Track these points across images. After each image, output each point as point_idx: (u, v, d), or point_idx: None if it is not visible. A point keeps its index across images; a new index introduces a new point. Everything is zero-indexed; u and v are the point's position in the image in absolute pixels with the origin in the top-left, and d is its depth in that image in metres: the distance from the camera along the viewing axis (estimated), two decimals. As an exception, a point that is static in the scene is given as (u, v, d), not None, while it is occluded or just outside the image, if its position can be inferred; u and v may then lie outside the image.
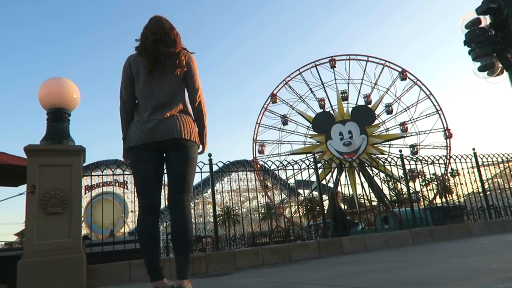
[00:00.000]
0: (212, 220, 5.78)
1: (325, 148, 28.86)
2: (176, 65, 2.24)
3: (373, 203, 12.52)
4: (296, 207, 13.63)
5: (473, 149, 7.43)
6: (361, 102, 31.05)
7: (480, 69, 5.37)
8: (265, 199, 24.55)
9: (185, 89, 2.36)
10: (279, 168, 6.07)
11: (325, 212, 7.24)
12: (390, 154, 27.33)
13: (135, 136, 2.21)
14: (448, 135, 29.71)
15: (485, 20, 5.30)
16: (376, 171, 24.87)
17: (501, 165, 7.86)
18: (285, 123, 31.11)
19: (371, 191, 17.06)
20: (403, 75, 30.80)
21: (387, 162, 6.87)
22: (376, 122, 30.41)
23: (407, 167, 7.00)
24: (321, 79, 31.61)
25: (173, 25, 2.38)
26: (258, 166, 25.64)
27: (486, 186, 7.80)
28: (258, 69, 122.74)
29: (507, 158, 7.73)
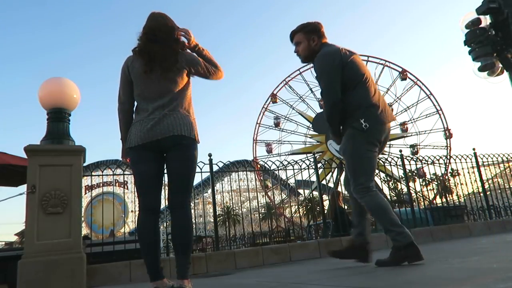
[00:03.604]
0: (212, 220, 5.78)
1: (325, 148, 28.85)
2: (171, 64, 2.23)
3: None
4: (296, 207, 13.64)
5: (473, 149, 7.44)
6: (361, 102, 31.02)
7: (480, 69, 5.37)
8: (265, 199, 24.55)
9: (187, 86, 2.34)
10: (279, 168, 6.07)
11: (325, 212, 7.24)
12: (390, 154, 27.30)
13: (135, 137, 2.21)
14: (448, 135, 29.71)
15: (485, 20, 5.30)
16: (376, 171, 24.84)
17: (501, 165, 7.86)
18: (277, 124, 31.20)
19: (371, 191, 17.00)
20: (403, 75, 30.81)
21: (387, 162, 6.87)
22: (376, 122, 30.38)
23: (407, 167, 7.00)
24: (321, 79, 31.57)
25: (168, 22, 2.36)
26: (258, 166, 25.64)
27: (486, 186, 7.79)
28: (258, 70, 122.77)
29: (507, 158, 7.72)
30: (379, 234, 5.74)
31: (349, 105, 2.56)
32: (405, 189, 8.23)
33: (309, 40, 2.75)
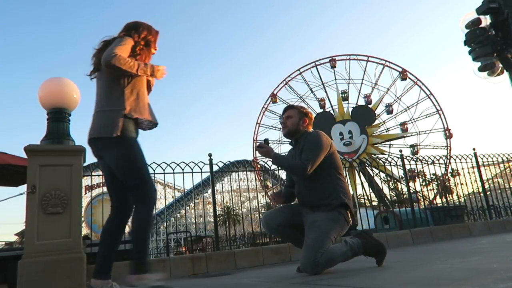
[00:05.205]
0: (212, 220, 5.77)
1: (325, 148, 28.80)
2: (98, 63, 2.32)
3: (373, 203, 12.51)
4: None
5: (473, 149, 7.44)
6: (362, 102, 31.06)
7: (481, 69, 5.38)
8: (265, 199, 24.53)
9: (116, 81, 2.23)
10: (279, 168, 6.07)
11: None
12: (390, 154, 27.35)
13: None
14: (448, 135, 29.71)
15: (485, 20, 5.30)
16: (376, 171, 24.89)
17: (501, 165, 7.86)
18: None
19: (371, 191, 17.06)
20: (403, 75, 30.81)
21: (387, 162, 6.87)
22: (377, 122, 30.40)
23: (407, 167, 7.00)
24: (321, 79, 31.66)
25: (124, 27, 2.44)
26: (258, 166, 25.63)
27: (486, 186, 7.80)
28: (259, 70, 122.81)
29: (507, 158, 7.72)
30: (378, 234, 5.75)
31: (339, 190, 2.79)
32: (405, 189, 8.23)
33: (300, 119, 3.03)
